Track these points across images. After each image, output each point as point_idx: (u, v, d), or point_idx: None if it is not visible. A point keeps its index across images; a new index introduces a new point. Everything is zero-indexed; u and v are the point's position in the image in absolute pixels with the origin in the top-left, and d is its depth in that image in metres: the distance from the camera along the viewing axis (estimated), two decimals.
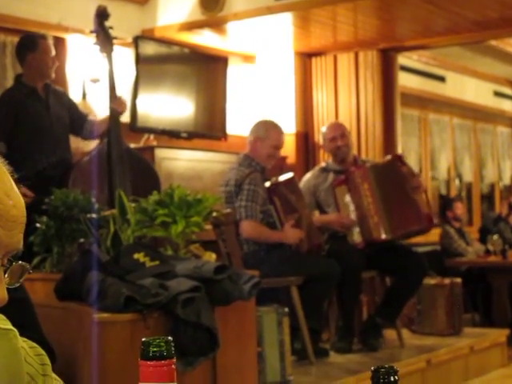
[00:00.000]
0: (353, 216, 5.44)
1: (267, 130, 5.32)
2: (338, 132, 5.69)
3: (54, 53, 5.13)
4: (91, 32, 5.27)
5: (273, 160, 5.38)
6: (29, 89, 5.10)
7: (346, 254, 5.32)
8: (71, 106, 5.36)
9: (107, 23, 5.20)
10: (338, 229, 5.48)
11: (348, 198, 5.45)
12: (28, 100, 5.08)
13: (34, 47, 5.10)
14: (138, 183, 5.10)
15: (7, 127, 4.98)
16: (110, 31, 5.20)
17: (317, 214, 5.64)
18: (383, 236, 5.41)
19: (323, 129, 5.91)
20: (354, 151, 5.89)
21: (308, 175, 5.86)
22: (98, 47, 5.22)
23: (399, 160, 5.62)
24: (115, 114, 5.20)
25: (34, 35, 5.25)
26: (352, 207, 5.44)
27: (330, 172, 5.68)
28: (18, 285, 1.26)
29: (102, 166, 5.06)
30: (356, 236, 5.44)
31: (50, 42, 5.16)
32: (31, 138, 5.02)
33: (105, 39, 5.19)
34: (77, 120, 5.31)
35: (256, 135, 5.30)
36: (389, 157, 5.95)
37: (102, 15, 5.20)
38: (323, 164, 5.91)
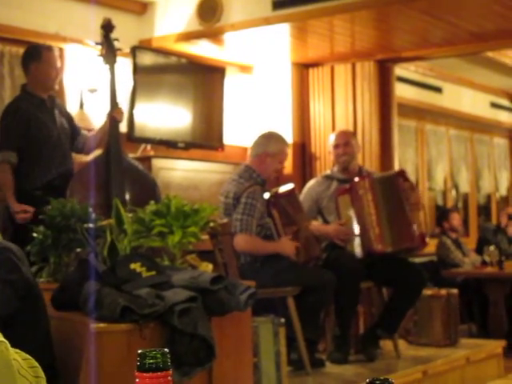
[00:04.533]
0: (354, 226, 5.45)
1: (278, 146, 5.29)
2: (342, 140, 5.70)
3: (58, 65, 5.14)
4: (96, 44, 5.29)
5: (277, 173, 5.39)
6: (38, 99, 5.09)
7: (345, 261, 5.32)
8: (70, 118, 5.37)
9: (112, 35, 5.24)
10: (336, 241, 5.47)
11: (350, 208, 5.45)
12: (37, 110, 5.06)
13: (38, 57, 5.10)
14: (136, 193, 5.10)
15: (18, 136, 4.95)
16: (115, 43, 5.23)
17: (315, 222, 5.62)
18: (384, 248, 5.41)
19: (331, 135, 5.95)
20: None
21: (312, 182, 5.88)
22: (101, 59, 5.25)
23: (402, 175, 5.63)
24: (114, 122, 5.22)
25: (39, 45, 5.24)
26: (354, 217, 5.44)
27: (334, 180, 5.69)
28: None
29: (100, 175, 5.05)
30: (356, 248, 5.44)
31: (55, 53, 5.16)
32: (42, 149, 5.01)
33: (109, 51, 5.22)
34: (72, 133, 5.31)
35: (266, 150, 5.24)
36: (393, 171, 5.96)
37: (106, 27, 5.23)
38: (328, 172, 5.91)
